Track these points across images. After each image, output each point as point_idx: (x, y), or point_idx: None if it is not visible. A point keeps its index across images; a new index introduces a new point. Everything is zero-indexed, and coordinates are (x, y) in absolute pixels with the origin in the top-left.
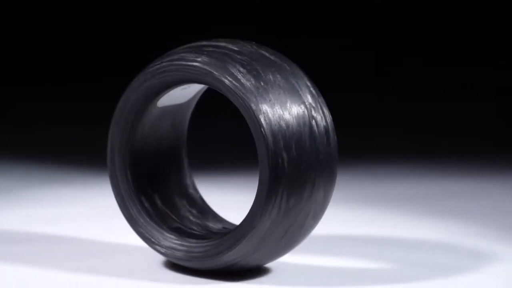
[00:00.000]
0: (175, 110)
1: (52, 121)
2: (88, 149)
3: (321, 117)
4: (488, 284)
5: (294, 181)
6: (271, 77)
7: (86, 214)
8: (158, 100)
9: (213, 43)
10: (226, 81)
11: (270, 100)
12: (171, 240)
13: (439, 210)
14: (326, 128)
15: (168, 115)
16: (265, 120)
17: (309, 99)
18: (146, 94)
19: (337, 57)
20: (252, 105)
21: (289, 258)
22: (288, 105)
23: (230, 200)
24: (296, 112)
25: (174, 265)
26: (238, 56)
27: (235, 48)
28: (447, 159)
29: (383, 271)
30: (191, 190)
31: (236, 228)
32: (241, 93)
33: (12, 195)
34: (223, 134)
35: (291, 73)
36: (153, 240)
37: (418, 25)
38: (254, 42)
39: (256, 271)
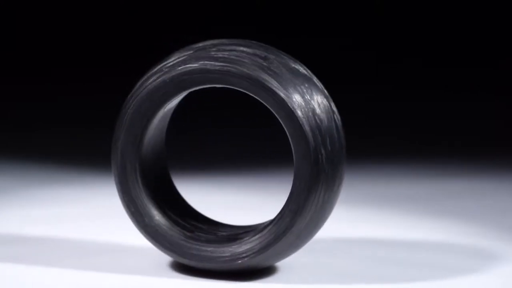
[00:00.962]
0: (168, 113)
1: (52, 121)
2: (88, 149)
3: (336, 110)
4: (488, 284)
5: (330, 176)
6: (289, 70)
7: (86, 214)
8: (169, 104)
9: (224, 46)
10: (260, 78)
11: (301, 94)
12: (197, 246)
13: (439, 210)
14: (340, 120)
15: (163, 118)
16: (302, 115)
17: (325, 91)
18: (162, 99)
19: (337, 57)
20: (288, 99)
21: (293, 258)
22: (315, 98)
23: (230, 200)
24: (323, 106)
25: (177, 265)
26: (258, 52)
27: (246, 47)
28: (447, 159)
29: (383, 271)
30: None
31: (271, 227)
32: (274, 88)
33: (12, 195)
34: (223, 135)
35: (301, 67)
36: (179, 252)
37: (418, 25)
38: (254, 41)
39: (264, 270)
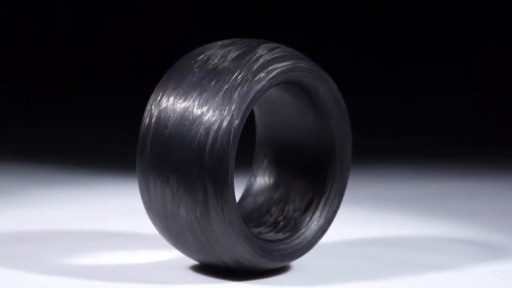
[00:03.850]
0: None
1: (52, 121)
2: (89, 149)
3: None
4: (488, 284)
5: None
6: None
7: (86, 214)
8: None
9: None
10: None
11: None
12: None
13: (439, 210)
14: None
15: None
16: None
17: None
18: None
19: (337, 57)
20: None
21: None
22: None
23: None
24: None
25: (177, 265)
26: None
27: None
28: (447, 159)
29: (383, 271)
30: None
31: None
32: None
33: (12, 196)
34: None
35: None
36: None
37: (418, 25)
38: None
39: (266, 272)
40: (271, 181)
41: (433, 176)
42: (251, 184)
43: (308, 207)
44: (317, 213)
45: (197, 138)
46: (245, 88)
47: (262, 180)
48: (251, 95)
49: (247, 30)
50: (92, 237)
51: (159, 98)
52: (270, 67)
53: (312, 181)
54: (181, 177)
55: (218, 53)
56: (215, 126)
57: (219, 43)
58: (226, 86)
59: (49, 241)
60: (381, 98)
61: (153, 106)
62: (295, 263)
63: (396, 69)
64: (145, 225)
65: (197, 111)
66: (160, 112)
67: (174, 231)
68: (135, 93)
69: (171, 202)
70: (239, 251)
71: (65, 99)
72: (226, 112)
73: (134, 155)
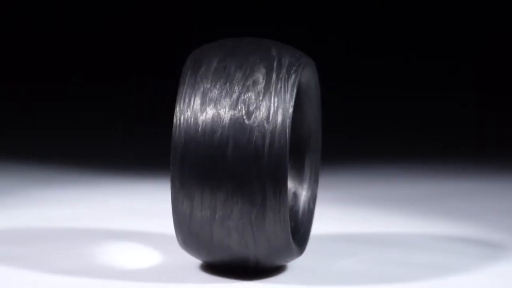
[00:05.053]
0: None
1: (52, 121)
2: (89, 149)
3: None
4: (488, 284)
5: None
6: None
7: (86, 214)
8: None
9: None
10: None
11: None
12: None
13: (439, 210)
14: None
15: None
16: None
17: None
18: None
19: (337, 57)
20: None
21: (298, 258)
22: None
23: None
24: None
25: (177, 266)
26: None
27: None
28: (447, 159)
29: (383, 271)
30: None
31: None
32: None
33: (12, 196)
34: None
35: None
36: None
37: (418, 25)
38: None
39: (265, 272)
40: None
41: (433, 176)
42: None
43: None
44: (299, 204)
45: (254, 140)
46: (284, 85)
47: None
48: (291, 91)
49: (247, 30)
50: (92, 237)
51: (192, 104)
52: (294, 62)
53: (292, 171)
54: (237, 180)
55: (238, 52)
56: (270, 126)
57: (228, 42)
58: (265, 85)
59: (49, 241)
60: (381, 98)
61: (188, 113)
62: (294, 263)
63: (396, 69)
64: (145, 225)
65: (247, 113)
66: (200, 117)
67: (216, 237)
68: (135, 93)
69: (222, 207)
70: (284, 250)
71: (65, 99)
72: (276, 111)
73: (135, 155)
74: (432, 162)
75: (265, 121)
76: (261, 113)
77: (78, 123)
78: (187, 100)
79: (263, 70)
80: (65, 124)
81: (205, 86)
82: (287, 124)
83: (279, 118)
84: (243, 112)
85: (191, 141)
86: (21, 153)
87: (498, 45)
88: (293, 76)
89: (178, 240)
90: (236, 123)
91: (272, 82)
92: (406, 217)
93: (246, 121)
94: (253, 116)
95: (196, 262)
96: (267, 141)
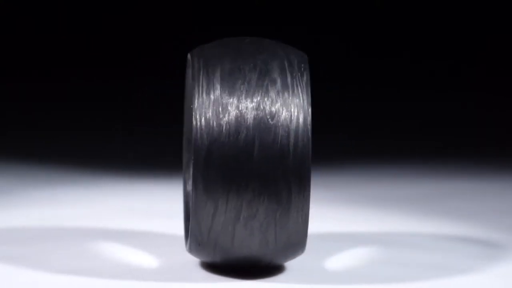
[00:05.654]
0: None
1: (52, 121)
2: (89, 149)
3: None
4: (488, 284)
5: None
6: None
7: (86, 214)
8: None
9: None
10: None
11: None
12: None
13: (439, 210)
14: None
15: None
16: None
17: None
18: None
19: (337, 57)
20: None
21: (298, 258)
22: None
23: None
24: None
25: (176, 266)
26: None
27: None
28: (447, 159)
29: (383, 271)
30: None
31: None
32: None
33: (12, 195)
34: None
35: None
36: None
37: (417, 25)
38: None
39: (266, 271)
40: None
41: (433, 176)
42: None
43: None
44: None
45: (279, 139)
46: (299, 83)
47: None
48: (306, 89)
49: (247, 30)
50: (92, 237)
51: (212, 106)
52: (301, 60)
53: None
54: (264, 180)
55: (245, 52)
56: (293, 125)
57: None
58: (282, 84)
59: (49, 241)
60: (381, 98)
61: (209, 115)
62: (294, 263)
63: (396, 69)
64: (145, 225)
65: (270, 112)
66: (223, 119)
67: (238, 237)
68: (135, 93)
69: (247, 207)
70: (298, 247)
71: (65, 99)
72: (297, 109)
73: (135, 155)
74: (432, 162)
75: (288, 120)
76: (283, 113)
77: (78, 123)
78: (205, 102)
79: (277, 70)
80: (65, 124)
81: (222, 87)
82: (309, 122)
83: (301, 117)
84: (266, 112)
85: (214, 143)
86: (21, 153)
87: (498, 45)
88: (305, 74)
89: (190, 243)
90: (260, 123)
91: (288, 81)
92: (406, 217)
93: (270, 121)
94: (276, 116)
95: (197, 261)
96: (292, 140)
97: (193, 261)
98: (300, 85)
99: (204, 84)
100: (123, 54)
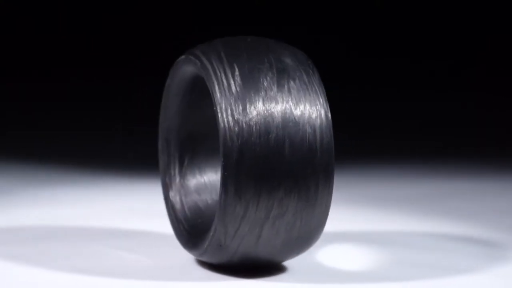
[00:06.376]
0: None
1: (52, 121)
2: (89, 149)
3: None
4: (488, 284)
5: None
6: None
7: (86, 214)
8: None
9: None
10: None
11: None
12: None
13: (439, 210)
14: None
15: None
16: None
17: None
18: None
19: (337, 57)
20: None
21: (294, 258)
22: None
23: None
24: None
25: (175, 263)
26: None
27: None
28: (447, 159)
29: (383, 270)
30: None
31: None
32: None
33: (12, 196)
34: None
35: None
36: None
37: (418, 25)
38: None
39: (273, 269)
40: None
41: (433, 176)
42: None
43: None
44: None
45: (307, 138)
46: (313, 80)
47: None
48: (320, 85)
49: (247, 30)
50: (92, 237)
51: (237, 107)
52: (304, 57)
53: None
54: (295, 178)
55: (253, 51)
56: (318, 123)
57: (240, 41)
58: (300, 82)
59: (49, 241)
60: (381, 98)
61: (237, 116)
62: (294, 262)
63: (396, 69)
64: (145, 225)
65: (296, 111)
66: (252, 119)
67: (264, 237)
68: (135, 93)
69: (278, 206)
70: (314, 242)
71: (65, 99)
72: (318, 106)
73: (135, 155)
74: (432, 162)
75: (313, 117)
76: (307, 110)
77: (78, 123)
78: (230, 103)
79: (292, 68)
80: (65, 124)
81: (245, 87)
82: (329, 119)
83: (322, 113)
84: (292, 110)
85: (245, 144)
86: (21, 153)
87: (498, 45)
88: (315, 70)
89: (208, 246)
90: (288, 122)
91: (305, 78)
92: (406, 217)
93: (297, 119)
94: (301, 114)
95: (197, 260)
96: (318, 137)
97: (195, 260)
98: (315, 82)
99: (225, 84)
100: (123, 54)
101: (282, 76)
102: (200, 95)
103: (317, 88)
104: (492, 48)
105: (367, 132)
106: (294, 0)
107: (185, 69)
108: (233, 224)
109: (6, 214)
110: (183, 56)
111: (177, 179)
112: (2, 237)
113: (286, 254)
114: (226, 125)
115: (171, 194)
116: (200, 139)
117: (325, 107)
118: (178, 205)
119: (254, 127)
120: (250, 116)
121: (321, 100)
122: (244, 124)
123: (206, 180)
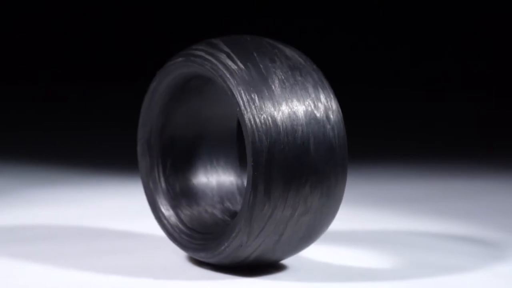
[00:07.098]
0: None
1: (52, 121)
2: (88, 149)
3: None
4: (488, 284)
5: None
6: None
7: (86, 214)
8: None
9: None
10: None
11: None
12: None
13: (439, 210)
14: None
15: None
16: None
17: None
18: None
19: (337, 56)
20: None
21: (295, 257)
22: None
23: None
24: None
25: (176, 267)
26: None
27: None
28: (447, 159)
29: (383, 270)
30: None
31: None
32: None
33: (12, 196)
34: None
35: None
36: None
37: (418, 25)
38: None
39: (273, 267)
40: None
41: (433, 176)
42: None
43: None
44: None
45: (328, 133)
46: (319, 77)
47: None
48: (326, 81)
49: (247, 30)
50: (92, 237)
51: (261, 106)
52: (304, 56)
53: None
54: (319, 174)
55: (260, 51)
56: (334, 118)
57: (247, 39)
58: (311, 79)
59: (48, 241)
60: (381, 98)
61: (263, 116)
62: (294, 262)
63: (396, 69)
64: (143, 225)
65: (315, 107)
66: (277, 118)
67: (286, 235)
68: (135, 93)
69: (303, 203)
70: (317, 238)
71: (65, 99)
72: (332, 102)
73: (134, 155)
74: (432, 162)
75: (330, 113)
76: (323, 106)
77: (78, 123)
78: (254, 105)
79: (302, 66)
80: (65, 124)
81: (266, 87)
82: (341, 114)
83: (336, 108)
84: (312, 107)
85: (275, 144)
86: (21, 153)
87: (500, 45)
88: (317, 68)
89: (227, 247)
90: (311, 119)
91: (313, 75)
92: (406, 217)
93: (318, 116)
94: (320, 110)
95: (196, 260)
96: (336, 132)
97: (193, 260)
98: (323, 79)
99: (241, 86)
100: (123, 54)
101: (295, 73)
102: (188, 96)
103: (326, 85)
104: (492, 48)
105: (367, 132)
106: (294, 0)
107: (181, 71)
108: (259, 224)
109: (6, 214)
110: (180, 58)
111: (163, 184)
112: (2, 237)
113: (296, 251)
114: (254, 126)
115: (159, 200)
116: (182, 141)
117: (337, 102)
118: (169, 212)
119: (281, 126)
120: (275, 114)
121: (331, 96)
122: (271, 123)
123: (195, 183)
